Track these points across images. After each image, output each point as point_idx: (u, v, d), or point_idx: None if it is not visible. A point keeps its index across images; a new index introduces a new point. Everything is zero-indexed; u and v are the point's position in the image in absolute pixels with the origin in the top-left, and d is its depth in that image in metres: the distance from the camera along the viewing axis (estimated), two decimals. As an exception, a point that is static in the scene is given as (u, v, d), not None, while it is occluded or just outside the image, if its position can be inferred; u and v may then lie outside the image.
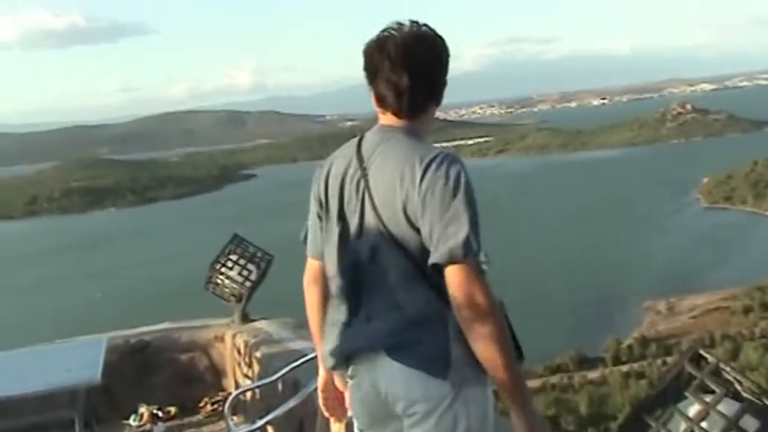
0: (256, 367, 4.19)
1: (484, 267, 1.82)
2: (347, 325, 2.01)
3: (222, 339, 4.67)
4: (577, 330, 49.66)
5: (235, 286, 4.67)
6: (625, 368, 42.46)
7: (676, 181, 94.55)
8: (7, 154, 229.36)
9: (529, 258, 68.60)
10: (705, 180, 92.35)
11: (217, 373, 4.62)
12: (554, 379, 41.66)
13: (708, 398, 1.74)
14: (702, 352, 1.79)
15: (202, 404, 4.55)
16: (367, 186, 1.94)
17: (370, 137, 2.02)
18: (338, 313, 2.03)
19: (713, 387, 1.75)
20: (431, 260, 1.82)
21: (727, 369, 1.76)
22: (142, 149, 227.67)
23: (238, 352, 4.47)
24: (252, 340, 4.39)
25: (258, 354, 4.22)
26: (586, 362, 44.21)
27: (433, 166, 1.85)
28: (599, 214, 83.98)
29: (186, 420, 4.46)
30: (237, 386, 4.36)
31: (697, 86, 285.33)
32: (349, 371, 2.01)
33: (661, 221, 78.28)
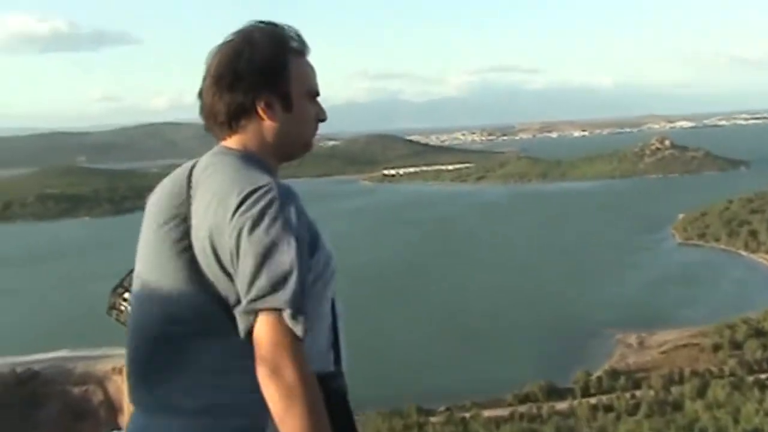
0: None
1: (300, 333, 1.47)
2: (140, 412, 1.64)
3: (121, 371, 4.21)
4: (548, 360, 49.51)
5: (139, 313, 4.22)
6: (593, 400, 42.24)
7: (652, 215, 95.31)
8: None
9: (504, 286, 68.48)
10: (680, 216, 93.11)
11: (112, 409, 4.17)
12: (522, 409, 41.40)
13: None
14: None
15: (92, 443, 4.10)
16: (186, 218, 1.61)
17: (203, 160, 1.72)
18: (134, 390, 1.65)
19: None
20: (240, 329, 1.50)
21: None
22: (121, 159, 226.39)
23: (135, 387, 4.00)
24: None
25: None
26: (555, 393, 43.96)
27: (250, 201, 1.52)
28: (575, 245, 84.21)
29: (74, 460, 4.01)
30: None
31: (676, 123, 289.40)
32: None
33: (635, 255, 78.60)
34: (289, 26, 1.76)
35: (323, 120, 1.80)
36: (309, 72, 1.77)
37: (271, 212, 1.51)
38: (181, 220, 1.62)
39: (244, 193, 1.53)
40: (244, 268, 1.49)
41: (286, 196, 1.54)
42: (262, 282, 1.48)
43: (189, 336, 1.59)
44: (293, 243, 1.50)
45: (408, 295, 64.57)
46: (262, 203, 1.52)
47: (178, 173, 1.72)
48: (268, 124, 1.69)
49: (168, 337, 1.60)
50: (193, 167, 1.70)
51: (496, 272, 74.08)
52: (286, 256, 1.49)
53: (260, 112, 1.68)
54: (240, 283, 1.50)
